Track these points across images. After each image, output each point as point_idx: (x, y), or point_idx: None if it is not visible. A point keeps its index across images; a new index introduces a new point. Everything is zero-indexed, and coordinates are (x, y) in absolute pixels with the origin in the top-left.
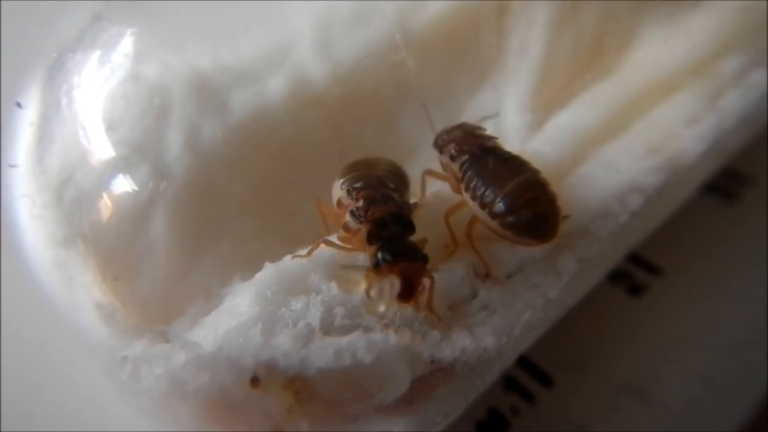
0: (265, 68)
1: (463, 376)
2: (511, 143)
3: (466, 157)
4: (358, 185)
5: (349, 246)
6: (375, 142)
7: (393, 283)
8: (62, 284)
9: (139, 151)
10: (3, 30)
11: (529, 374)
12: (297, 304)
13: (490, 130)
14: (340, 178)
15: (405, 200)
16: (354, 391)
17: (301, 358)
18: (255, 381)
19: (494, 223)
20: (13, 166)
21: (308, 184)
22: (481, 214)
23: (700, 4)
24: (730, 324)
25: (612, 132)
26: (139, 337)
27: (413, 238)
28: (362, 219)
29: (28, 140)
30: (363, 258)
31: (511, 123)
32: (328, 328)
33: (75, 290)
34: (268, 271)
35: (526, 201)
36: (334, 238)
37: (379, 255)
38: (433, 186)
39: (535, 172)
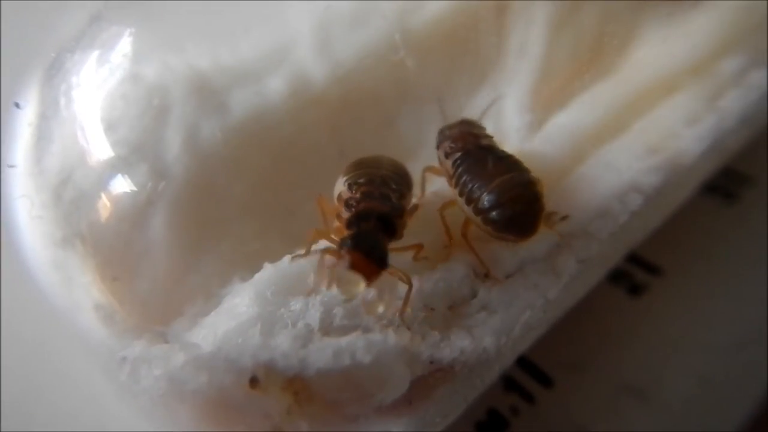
0: (264, 68)
1: (463, 376)
2: (511, 143)
3: (459, 154)
4: (361, 181)
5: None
6: (375, 142)
7: (341, 272)
8: (61, 285)
9: (138, 151)
10: (2, 30)
11: (528, 374)
12: (296, 305)
13: (489, 129)
14: (344, 175)
15: (402, 203)
16: (353, 391)
17: (300, 358)
18: (254, 381)
19: (478, 219)
20: (11, 167)
21: (308, 184)
22: (468, 210)
23: (700, 4)
24: (730, 324)
25: (612, 132)
26: (138, 338)
27: (410, 241)
28: (353, 209)
29: (26, 140)
30: None
31: (511, 123)
32: (327, 328)
33: (74, 291)
34: (268, 271)
35: (508, 198)
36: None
37: (344, 239)
38: (433, 185)
39: (524, 171)
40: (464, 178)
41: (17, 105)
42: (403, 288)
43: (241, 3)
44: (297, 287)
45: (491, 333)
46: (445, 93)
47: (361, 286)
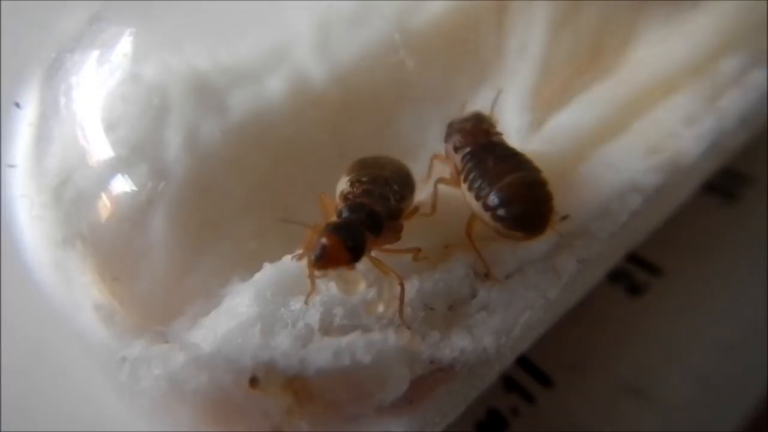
0: (264, 68)
1: (463, 376)
2: (511, 143)
3: (468, 149)
4: (363, 179)
5: None
6: (375, 142)
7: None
8: (61, 285)
9: (137, 151)
10: (2, 30)
11: (528, 374)
12: (296, 305)
13: None
14: (347, 174)
15: (401, 206)
16: (353, 391)
17: (300, 358)
18: (254, 381)
19: (486, 216)
20: (11, 167)
21: (308, 185)
22: (476, 206)
23: (699, 3)
24: (730, 324)
25: (612, 132)
26: (137, 338)
27: (409, 244)
28: (348, 202)
29: (26, 140)
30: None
31: (511, 123)
32: (327, 328)
33: (74, 291)
34: (267, 271)
35: (519, 196)
36: None
37: (329, 223)
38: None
39: (535, 171)
40: (474, 173)
41: (17, 105)
42: None
43: (240, 3)
44: (297, 287)
45: (491, 333)
46: (445, 93)
47: (361, 285)
